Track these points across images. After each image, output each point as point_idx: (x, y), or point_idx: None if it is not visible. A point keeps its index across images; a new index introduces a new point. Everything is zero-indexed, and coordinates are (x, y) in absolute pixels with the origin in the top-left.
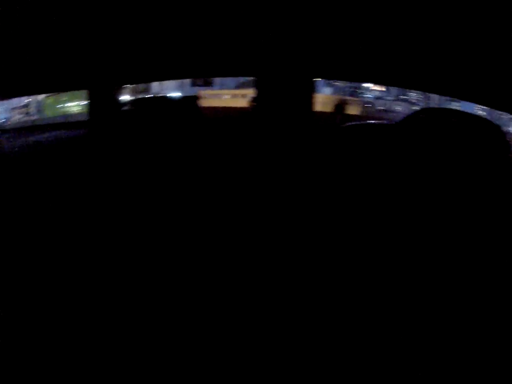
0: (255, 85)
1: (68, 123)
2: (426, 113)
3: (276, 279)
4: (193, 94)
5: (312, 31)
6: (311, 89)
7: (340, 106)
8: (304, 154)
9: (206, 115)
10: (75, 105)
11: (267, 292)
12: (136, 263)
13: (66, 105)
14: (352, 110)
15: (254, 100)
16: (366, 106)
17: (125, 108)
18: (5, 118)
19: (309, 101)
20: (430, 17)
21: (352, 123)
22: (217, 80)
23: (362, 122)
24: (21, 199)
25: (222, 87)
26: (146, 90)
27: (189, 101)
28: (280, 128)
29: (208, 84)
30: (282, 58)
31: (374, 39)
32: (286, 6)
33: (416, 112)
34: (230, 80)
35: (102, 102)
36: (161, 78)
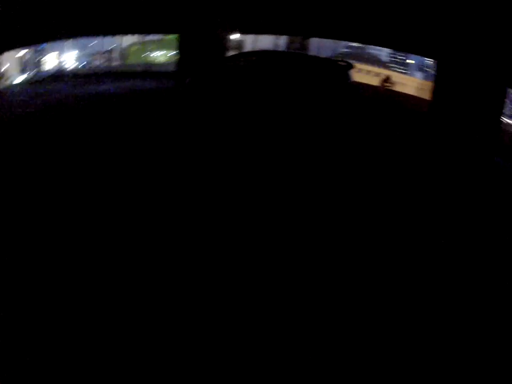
0: None
1: (151, 72)
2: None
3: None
4: (343, 59)
5: None
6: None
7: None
8: None
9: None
10: (163, 54)
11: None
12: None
13: (152, 54)
14: None
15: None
16: None
17: (230, 60)
18: (84, 62)
19: None
20: None
21: None
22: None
23: None
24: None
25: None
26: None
27: (338, 68)
28: None
29: (304, 49)
30: None
31: None
32: None
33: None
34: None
35: (194, 52)
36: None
